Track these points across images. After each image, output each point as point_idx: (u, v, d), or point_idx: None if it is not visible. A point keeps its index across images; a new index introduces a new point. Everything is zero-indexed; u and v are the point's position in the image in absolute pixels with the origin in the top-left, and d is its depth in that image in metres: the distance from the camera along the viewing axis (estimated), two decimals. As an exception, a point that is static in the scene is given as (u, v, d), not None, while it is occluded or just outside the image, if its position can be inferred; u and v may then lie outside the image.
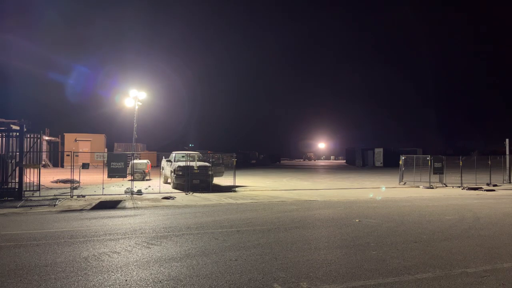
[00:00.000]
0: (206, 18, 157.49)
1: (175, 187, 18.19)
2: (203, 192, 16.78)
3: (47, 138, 40.00)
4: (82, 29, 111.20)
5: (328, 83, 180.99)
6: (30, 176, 15.26)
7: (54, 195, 14.88)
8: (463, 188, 20.00)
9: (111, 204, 13.01)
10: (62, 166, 36.20)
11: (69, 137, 44.06)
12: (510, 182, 23.80)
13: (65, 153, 37.75)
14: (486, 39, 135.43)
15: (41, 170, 15.75)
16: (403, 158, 23.23)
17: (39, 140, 16.29)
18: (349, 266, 5.93)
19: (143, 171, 23.63)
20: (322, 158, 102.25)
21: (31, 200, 13.77)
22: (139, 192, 16.14)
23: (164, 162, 21.50)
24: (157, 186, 18.15)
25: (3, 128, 19.70)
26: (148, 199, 14.42)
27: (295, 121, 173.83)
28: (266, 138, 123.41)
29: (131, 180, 17.06)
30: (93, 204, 12.91)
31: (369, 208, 12.39)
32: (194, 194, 16.31)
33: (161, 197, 14.96)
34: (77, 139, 44.22)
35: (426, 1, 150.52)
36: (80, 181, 18.44)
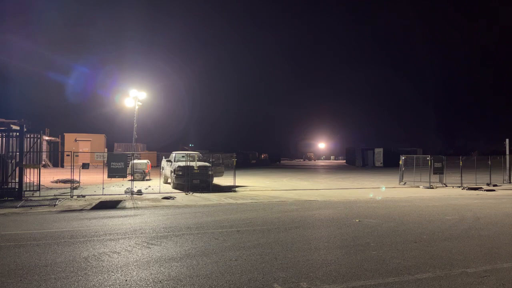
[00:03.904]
0: (206, 18, 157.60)
1: (175, 187, 18.18)
2: (203, 192, 16.78)
3: (47, 138, 39.99)
4: (82, 29, 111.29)
5: (328, 83, 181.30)
6: (30, 176, 15.26)
7: (54, 195, 14.87)
8: (463, 188, 20.00)
9: (111, 204, 13.01)
10: (62, 166, 36.19)
11: (69, 137, 44.06)
12: (510, 182, 23.80)
13: (65, 153, 37.75)
14: (486, 39, 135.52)
15: (41, 170, 15.75)
16: (403, 158, 23.23)
17: (39, 140, 16.29)
18: (349, 266, 5.93)
19: (143, 171, 23.63)
20: (322, 158, 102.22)
21: (31, 200, 13.77)
22: (139, 192, 16.14)
23: (164, 162, 21.50)
24: (157, 186, 18.14)
25: (3, 128, 19.70)
26: (148, 199, 14.42)
27: (295, 121, 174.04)
28: (266, 138, 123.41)
29: (131, 180, 17.05)
30: (93, 204, 12.91)
31: (369, 208, 12.38)
32: (194, 194, 16.31)
33: (161, 197, 14.96)
34: (77, 139, 44.22)
35: (426, 1, 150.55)
36: (80, 181, 18.43)
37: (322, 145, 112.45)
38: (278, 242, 7.51)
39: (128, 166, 18.25)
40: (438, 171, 21.78)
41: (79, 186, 18.21)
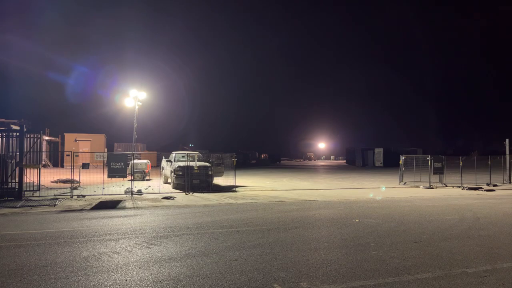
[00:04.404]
0: (206, 18, 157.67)
1: (175, 187, 18.18)
2: (203, 192, 16.78)
3: (47, 138, 39.98)
4: (82, 29, 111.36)
5: (328, 83, 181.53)
6: (30, 176, 15.26)
7: (54, 195, 14.87)
8: (463, 188, 19.99)
9: (111, 204, 13.01)
10: (62, 166, 36.19)
11: (69, 137, 44.05)
12: (510, 182, 23.80)
13: (65, 153, 37.76)
14: (486, 39, 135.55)
15: (41, 170, 15.75)
16: (403, 158, 23.22)
17: (39, 140, 16.29)
18: (349, 266, 5.93)
19: (143, 171, 23.63)
20: (322, 158, 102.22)
21: (31, 200, 13.77)
22: (139, 192, 16.14)
23: (164, 162, 21.50)
24: (157, 186, 18.14)
25: (3, 128, 19.70)
26: (148, 199, 14.42)
27: (295, 121, 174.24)
28: (266, 138, 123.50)
29: (131, 180, 17.05)
30: (93, 204, 12.91)
31: (369, 208, 12.38)
32: (194, 194, 16.30)
33: (161, 197, 14.96)
34: (77, 139, 44.22)
35: (426, 1, 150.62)
36: (80, 181, 18.43)
37: (322, 145, 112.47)
38: (278, 242, 7.51)
39: (128, 166, 18.25)
40: (438, 171, 21.77)
41: (79, 186, 18.21)
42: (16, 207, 12.17)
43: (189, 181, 17.29)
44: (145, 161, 24.99)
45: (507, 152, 25.41)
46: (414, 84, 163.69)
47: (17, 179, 14.66)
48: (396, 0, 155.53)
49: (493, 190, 19.19)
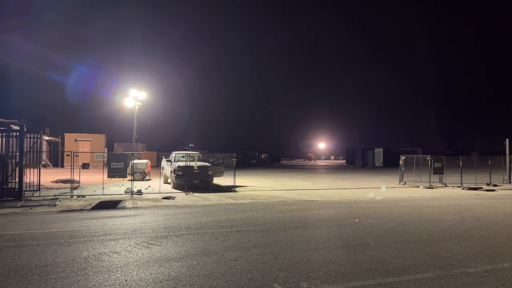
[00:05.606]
0: (206, 18, 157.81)
1: (175, 187, 18.18)
2: (203, 192, 16.78)
3: (47, 138, 39.96)
4: (82, 29, 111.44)
5: (328, 83, 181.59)
6: (30, 176, 15.26)
7: (54, 195, 14.87)
8: (463, 188, 19.99)
9: (111, 204, 13.01)
10: (62, 166, 36.18)
11: (69, 137, 44.06)
12: (510, 182, 23.79)
13: (65, 153, 37.76)
14: (486, 39, 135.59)
15: (41, 170, 15.75)
16: (403, 158, 23.22)
17: (39, 140, 16.28)
18: (349, 266, 5.93)
19: (143, 171, 23.63)
20: (322, 158, 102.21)
21: (31, 200, 13.77)
22: (139, 192, 16.14)
23: (164, 162, 21.51)
24: (157, 186, 18.14)
25: (3, 128, 19.69)
26: (148, 199, 14.41)
27: (295, 121, 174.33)
28: (266, 138, 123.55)
29: (131, 180, 17.05)
30: (93, 204, 12.91)
31: (369, 208, 12.38)
32: (194, 194, 16.30)
33: (161, 197, 14.95)
34: (77, 139, 44.23)
35: (427, 1, 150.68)
36: (80, 181, 18.43)
37: (322, 145, 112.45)
38: (278, 242, 7.51)
39: (128, 166, 18.25)
40: (438, 171, 21.77)
41: (79, 186, 18.21)
42: (16, 207, 12.16)
43: (189, 181, 17.29)
44: (145, 161, 25.00)
45: (507, 152, 25.39)
46: (414, 84, 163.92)
47: (17, 179, 14.65)
48: (396, 0, 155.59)
49: (493, 190, 19.19)
